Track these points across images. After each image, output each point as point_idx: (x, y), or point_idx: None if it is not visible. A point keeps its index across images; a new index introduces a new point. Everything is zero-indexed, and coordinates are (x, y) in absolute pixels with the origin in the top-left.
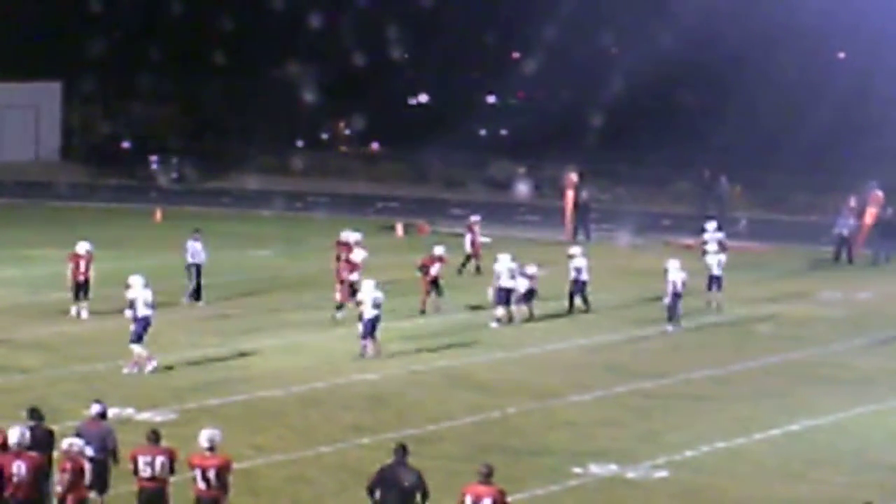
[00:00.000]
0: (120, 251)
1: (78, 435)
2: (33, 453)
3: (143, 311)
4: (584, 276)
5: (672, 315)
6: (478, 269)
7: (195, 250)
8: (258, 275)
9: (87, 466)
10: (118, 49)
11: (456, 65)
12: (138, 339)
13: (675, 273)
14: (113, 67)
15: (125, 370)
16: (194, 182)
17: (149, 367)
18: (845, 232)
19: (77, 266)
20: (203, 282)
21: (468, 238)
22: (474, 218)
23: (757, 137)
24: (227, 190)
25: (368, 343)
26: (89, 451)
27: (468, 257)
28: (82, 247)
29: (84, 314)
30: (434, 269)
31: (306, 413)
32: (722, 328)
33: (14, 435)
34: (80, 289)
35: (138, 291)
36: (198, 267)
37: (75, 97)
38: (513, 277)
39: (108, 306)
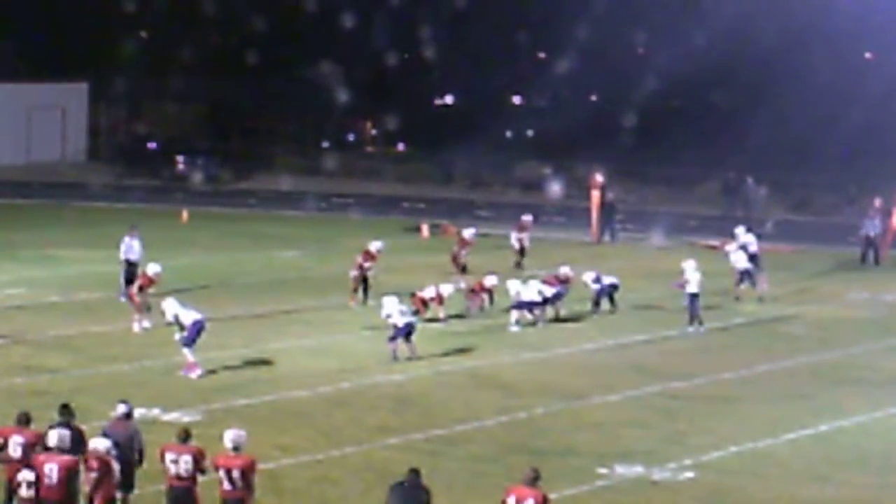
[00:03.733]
0: (146, 252)
1: (104, 435)
2: (66, 456)
3: (194, 316)
4: (608, 280)
5: (693, 316)
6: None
7: (129, 247)
8: (285, 276)
9: (116, 466)
10: (147, 50)
11: (485, 65)
12: (190, 343)
13: (691, 273)
14: (141, 68)
15: (181, 373)
16: (221, 183)
17: (193, 374)
18: (871, 233)
19: (147, 286)
20: (205, 282)
21: (514, 236)
22: (526, 218)
23: (787, 138)
24: (254, 191)
25: (396, 346)
26: (114, 451)
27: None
28: (153, 268)
29: (147, 323)
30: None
31: (332, 414)
32: (749, 329)
33: (53, 437)
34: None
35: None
36: (130, 263)
37: (102, 98)
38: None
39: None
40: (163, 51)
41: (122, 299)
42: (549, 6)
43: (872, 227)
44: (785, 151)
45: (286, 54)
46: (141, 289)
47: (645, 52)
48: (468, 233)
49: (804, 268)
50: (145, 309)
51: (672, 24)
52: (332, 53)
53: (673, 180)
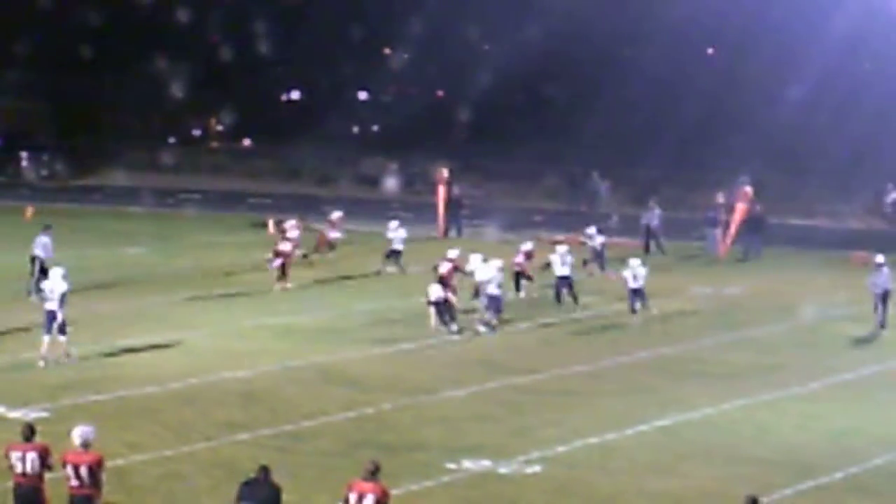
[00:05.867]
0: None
1: None
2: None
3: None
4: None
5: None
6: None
7: (42, 244)
8: (131, 272)
9: None
10: None
11: (325, 60)
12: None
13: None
14: None
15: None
16: (65, 179)
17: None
18: (651, 224)
19: None
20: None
21: (331, 233)
22: (336, 214)
23: (626, 132)
24: (99, 187)
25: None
26: None
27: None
28: None
29: None
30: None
31: (180, 410)
32: (594, 323)
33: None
34: None
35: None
36: (41, 260)
37: None
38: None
39: None
40: None
41: (32, 295)
42: (385, 1)
43: (651, 218)
44: (621, 145)
45: (120, 49)
46: None
47: (480, 47)
48: (290, 224)
49: (647, 262)
50: None
51: (505, 18)
52: (166, 48)
53: (513, 175)
